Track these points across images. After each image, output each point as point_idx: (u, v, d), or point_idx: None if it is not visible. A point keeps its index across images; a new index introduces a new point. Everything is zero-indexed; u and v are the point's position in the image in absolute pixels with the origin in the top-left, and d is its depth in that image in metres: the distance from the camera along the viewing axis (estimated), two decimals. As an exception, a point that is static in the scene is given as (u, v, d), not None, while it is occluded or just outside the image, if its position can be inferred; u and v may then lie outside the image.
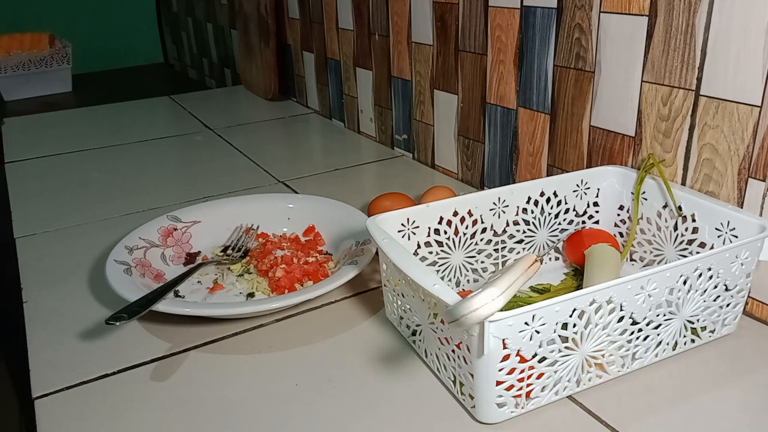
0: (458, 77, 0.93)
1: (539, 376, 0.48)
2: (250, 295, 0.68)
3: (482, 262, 0.67)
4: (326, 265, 0.72)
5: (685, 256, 0.61)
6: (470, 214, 0.64)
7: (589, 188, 0.69)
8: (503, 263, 0.69)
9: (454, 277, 0.66)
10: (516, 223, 0.67)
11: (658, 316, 0.51)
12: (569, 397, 0.51)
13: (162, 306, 0.59)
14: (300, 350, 0.59)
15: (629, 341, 0.51)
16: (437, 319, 0.50)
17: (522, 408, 0.49)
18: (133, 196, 0.96)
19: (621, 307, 0.48)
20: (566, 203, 0.68)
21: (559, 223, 0.69)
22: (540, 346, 0.46)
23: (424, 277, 0.47)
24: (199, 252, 0.76)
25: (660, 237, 0.65)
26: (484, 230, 0.65)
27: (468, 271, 0.66)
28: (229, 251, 0.75)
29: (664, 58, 0.64)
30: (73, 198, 0.98)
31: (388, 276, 0.59)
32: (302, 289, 0.67)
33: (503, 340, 0.44)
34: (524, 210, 0.67)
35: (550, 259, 0.71)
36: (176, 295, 0.68)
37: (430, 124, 1.02)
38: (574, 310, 0.46)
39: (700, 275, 0.51)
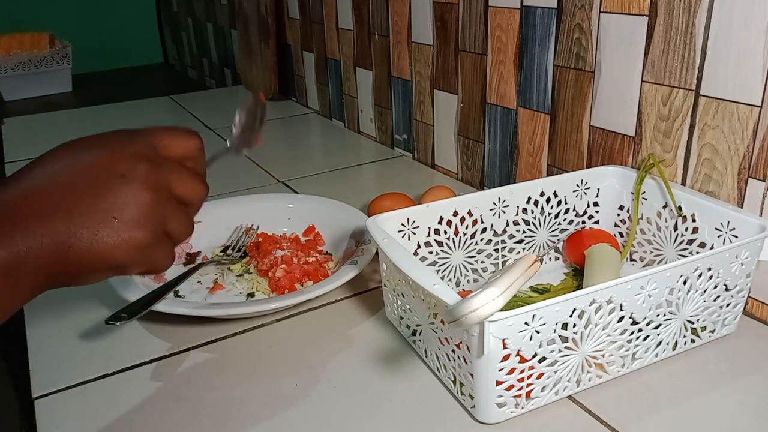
0: (458, 77, 0.93)
1: (539, 376, 0.48)
2: (250, 295, 0.68)
3: (482, 262, 0.67)
4: (326, 265, 0.72)
5: (685, 256, 0.61)
6: (470, 214, 0.64)
7: (589, 188, 0.69)
8: (503, 263, 0.69)
9: (454, 277, 0.66)
10: (516, 223, 0.67)
11: (658, 316, 0.51)
12: (569, 397, 0.51)
13: (162, 306, 0.59)
14: (300, 350, 0.59)
15: (629, 341, 0.51)
16: (437, 319, 0.50)
17: (522, 408, 0.49)
18: (133, 196, 0.96)
19: (621, 307, 0.48)
20: (566, 203, 0.68)
21: (559, 223, 0.69)
22: (540, 346, 0.46)
23: (424, 277, 0.47)
24: (199, 252, 0.76)
25: (660, 237, 0.65)
26: (484, 230, 0.65)
27: (468, 271, 0.66)
28: (229, 251, 0.75)
29: (664, 58, 0.64)
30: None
31: (388, 276, 0.59)
32: (302, 289, 0.67)
33: (503, 340, 0.44)
34: (524, 210, 0.67)
35: (550, 259, 0.71)
36: (176, 295, 0.68)
37: (430, 124, 1.02)
38: (574, 310, 0.46)
39: (700, 275, 0.51)
